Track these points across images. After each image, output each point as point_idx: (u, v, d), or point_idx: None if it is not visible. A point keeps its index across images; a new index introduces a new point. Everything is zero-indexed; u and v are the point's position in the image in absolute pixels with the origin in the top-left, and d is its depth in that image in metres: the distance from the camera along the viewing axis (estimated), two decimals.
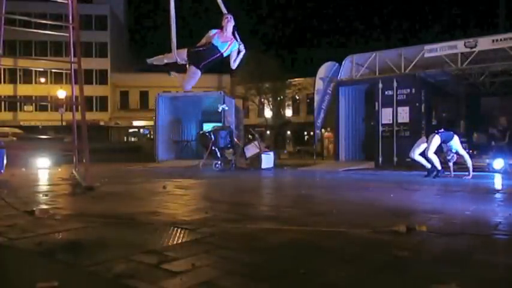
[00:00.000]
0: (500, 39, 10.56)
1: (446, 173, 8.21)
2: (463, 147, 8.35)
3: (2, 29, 5.78)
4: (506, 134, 11.37)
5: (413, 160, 8.42)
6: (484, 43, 10.75)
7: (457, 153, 8.03)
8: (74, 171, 6.68)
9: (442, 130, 8.23)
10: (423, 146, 8.19)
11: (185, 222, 3.03)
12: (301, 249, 2.30)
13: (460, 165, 8.46)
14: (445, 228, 2.84)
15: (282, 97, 38.57)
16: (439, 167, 8.03)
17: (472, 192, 5.58)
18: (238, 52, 4.75)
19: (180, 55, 4.64)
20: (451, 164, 8.17)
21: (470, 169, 7.89)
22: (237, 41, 4.69)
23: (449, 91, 13.53)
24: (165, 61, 4.87)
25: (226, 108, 14.15)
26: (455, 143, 8.00)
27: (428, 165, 8.16)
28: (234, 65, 4.81)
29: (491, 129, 12.11)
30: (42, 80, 42.65)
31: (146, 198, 4.78)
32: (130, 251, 2.15)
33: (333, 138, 15.18)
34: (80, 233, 2.68)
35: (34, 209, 3.37)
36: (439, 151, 8.18)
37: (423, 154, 8.18)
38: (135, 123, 44.76)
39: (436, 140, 8.00)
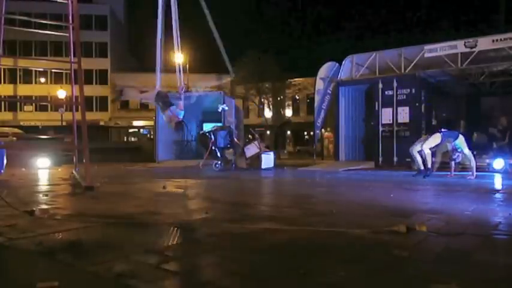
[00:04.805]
0: (500, 39, 10.56)
1: (447, 172, 8.22)
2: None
3: (2, 29, 5.78)
4: (506, 134, 11.35)
5: (411, 155, 8.35)
6: (484, 43, 10.75)
7: (462, 152, 7.96)
8: (74, 171, 6.67)
9: (446, 130, 8.20)
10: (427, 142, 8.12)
11: (185, 222, 3.03)
12: (301, 249, 2.30)
13: (463, 164, 8.44)
14: (445, 228, 2.84)
15: (282, 97, 38.56)
16: (421, 166, 8.05)
17: (472, 192, 5.58)
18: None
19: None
20: (452, 163, 8.14)
21: (474, 169, 7.85)
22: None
23: (449, 91, 13.52)
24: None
25: (226, 108, 14.16)
26: (461, 142, 7.93)
27: (421, 166, 8.13)
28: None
29: (491, 129, 12.09)
30: (42, 80, 42.65)
31: (146, 198, 4.78)
32: (130, 251, 2.15)
33: (333, 138, 15.17)
34: (80, 233, 2.68)
35: (34, 209, 3.37)
36: (441, 150, 8.17)
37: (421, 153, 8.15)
38: (135, 123, 44.77)
39: (436, 138, 7.97)
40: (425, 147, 7.95)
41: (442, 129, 8.22)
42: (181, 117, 6.20)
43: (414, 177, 7.91)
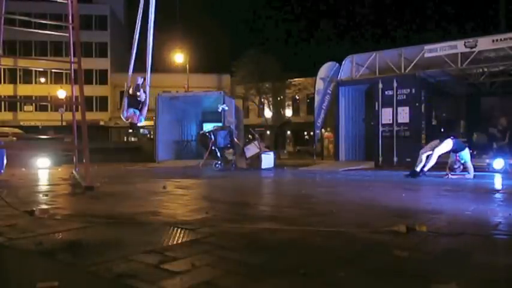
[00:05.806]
0: (500, 39, 10.56)
1: (444, 173, 8.24)
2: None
3: (2, 29, 5.78)
4: (506, 134, 11.36)
5: (419, 157, 8.29)
6: (484, 43, 10.75)
7: (464, 164, 8.08)
8: (74, 171, 6.67)
9: (454, 137, 8.27)
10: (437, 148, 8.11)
11: (185, 222, 3.03)
12: (301, 249, 2.30)
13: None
14: (445, 228, 2.84)
15: (282, 97, 38.56)
16: (419, 168, 8.05)
17: (472, 192, 5.58)
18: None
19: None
20: (455, 166, 8.20)
21: (471, 169, 7.95)
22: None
23: (449, 91, 13.53)
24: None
25: (226, 108, 14.16)
26: (466, 154, 8.05)
27: (418, 168, 8.11)
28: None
29: (491, 129, 12.10)
30: (42, 80, 42.67)
31: (146, 198, 4.77)
32: (130, 251, 2.15)
33: (333, 138, 15.18)
34: (80, 233, 2.68)
35: (34, 209, 3.37)
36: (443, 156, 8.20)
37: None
38: None
39: (448, 144, 7.99)
40: (437, 152, 7.97)
41: (452, 136, 8.24)
42: (140, 123, 6.64)
43: (406, 177, 7.92)
